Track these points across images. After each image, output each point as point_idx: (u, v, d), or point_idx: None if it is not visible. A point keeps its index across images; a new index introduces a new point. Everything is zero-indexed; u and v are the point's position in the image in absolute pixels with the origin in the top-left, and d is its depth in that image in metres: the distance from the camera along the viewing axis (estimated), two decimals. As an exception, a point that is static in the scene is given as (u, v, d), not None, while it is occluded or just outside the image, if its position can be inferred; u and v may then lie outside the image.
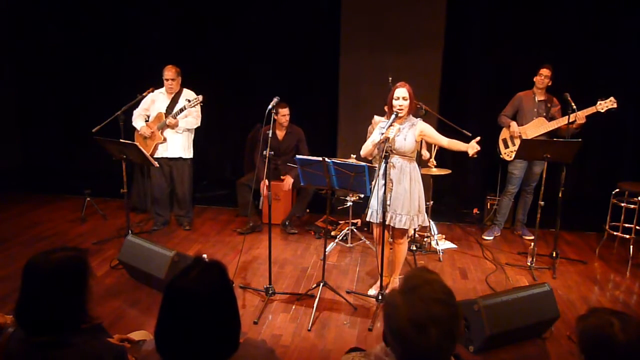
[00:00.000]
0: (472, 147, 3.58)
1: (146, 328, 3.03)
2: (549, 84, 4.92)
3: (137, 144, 4.43)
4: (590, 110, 4.58)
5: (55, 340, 1.65)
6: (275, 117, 5.17)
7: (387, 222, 3.57)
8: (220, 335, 1.41)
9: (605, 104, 4.54)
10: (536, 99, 4.98)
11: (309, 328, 3.38)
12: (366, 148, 3.68)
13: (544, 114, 4.94)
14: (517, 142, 5.01)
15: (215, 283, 1.41)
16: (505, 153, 5.13)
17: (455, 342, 1.31)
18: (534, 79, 4.95)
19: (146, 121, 5.08)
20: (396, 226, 3.63)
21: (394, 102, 3.52)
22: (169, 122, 4.90)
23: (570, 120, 4.49)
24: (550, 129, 4.88)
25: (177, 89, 5.04)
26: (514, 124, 5.03)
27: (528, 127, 4.99)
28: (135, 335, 2.05)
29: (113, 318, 3.43)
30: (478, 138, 3.64)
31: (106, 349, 1.74)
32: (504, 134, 5.14)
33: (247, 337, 1.57)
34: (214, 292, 1.40)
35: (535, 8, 5.83)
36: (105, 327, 1.91)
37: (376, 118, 4.54)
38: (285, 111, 5.21)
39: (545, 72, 4.88)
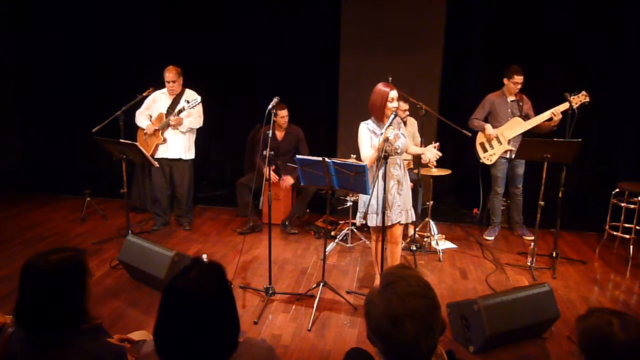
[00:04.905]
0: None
1: (146, 328, 3.03)
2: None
3: (137, 144, 4.43)
4: (563, 106, 4.50)
5: (55, 341, 1.65)
6: (275, 119, 5.17)
7: (402, 222, 3.66)
8: (219, 335, 1.41)
9: (578, 98, 4.38)
10: (508, 100, 4.96)
11: (309, 328, 3.39)
12: (368, 155, 3.53)
13: (519, 114, 4.91)
14: (495, 144, 4.99)
15: (214, 283, 1.41)
16: (484, 157, 5.06)
17: (434, 335, 1.30)
18: (508, 84, 4.90)
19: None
20: (407, 221, 3.73)
21: (390, 105, 3.49)
22: (173, 120, 4.87)
23: (547, 118, 4.57)
24: (528, 127, 4.84)
25: (178, 90, 5.01)
26: (488, 126, 4.97)
27: (504, 128, 4.95)
28: (135, 335, 2.05)
29: (113, 318, 3.43)
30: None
31: (106, 349, 1.74)
32: (480, 137, 5.07)
33: (247, 337, 1.57)
34: (213, 293, 1.40)
35: (535, 7, 5.82)
36: (105, 327, 1.91)
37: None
38: (283, 113, 5.20)
39: (520, 79, 4.82)
